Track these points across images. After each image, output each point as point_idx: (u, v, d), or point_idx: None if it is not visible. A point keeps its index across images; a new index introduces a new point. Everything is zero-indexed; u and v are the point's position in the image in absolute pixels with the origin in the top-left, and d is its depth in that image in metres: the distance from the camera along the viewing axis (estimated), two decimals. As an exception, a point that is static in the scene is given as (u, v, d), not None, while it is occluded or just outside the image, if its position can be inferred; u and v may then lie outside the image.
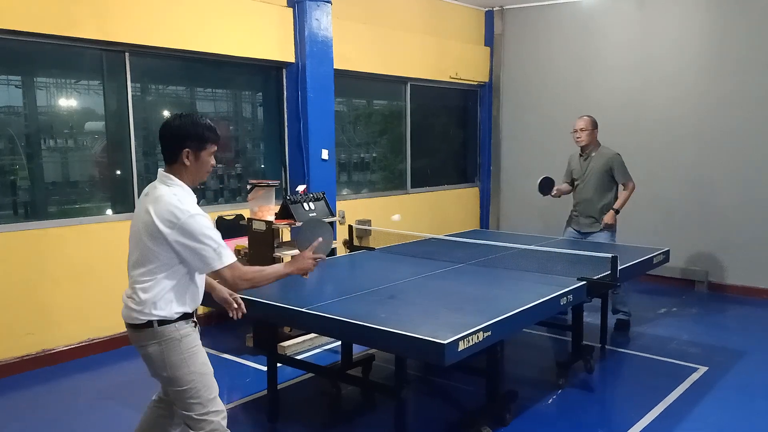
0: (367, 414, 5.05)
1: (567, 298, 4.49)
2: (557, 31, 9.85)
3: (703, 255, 8.66)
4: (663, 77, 8.84)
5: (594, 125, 6.93)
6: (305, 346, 6.27)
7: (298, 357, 5.94)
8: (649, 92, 8.98)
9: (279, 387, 4.99)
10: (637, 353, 6.24)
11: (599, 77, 9.44)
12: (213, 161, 3.37)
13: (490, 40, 10.54)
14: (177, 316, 3.22)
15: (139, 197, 6.33)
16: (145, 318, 3.18)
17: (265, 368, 5.01)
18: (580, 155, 7.05)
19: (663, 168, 8.89)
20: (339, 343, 5.78)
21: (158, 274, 3.16)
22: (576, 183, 7.08)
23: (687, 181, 8.73)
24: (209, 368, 3.34)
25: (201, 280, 3.37)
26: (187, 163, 3.27)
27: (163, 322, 3.18)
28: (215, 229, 3.19)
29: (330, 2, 7.51)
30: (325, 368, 5.29)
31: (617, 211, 6.83)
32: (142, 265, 3.17)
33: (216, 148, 3.37)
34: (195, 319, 3.35)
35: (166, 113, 6.98)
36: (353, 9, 8.28)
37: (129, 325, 3.27)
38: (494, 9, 10.39)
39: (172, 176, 3.27)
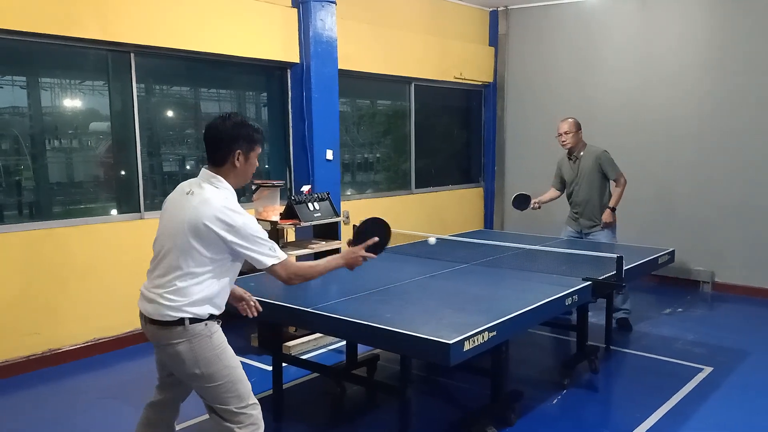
0: (371, 413, 5.06)
1: (572, 299, 4.49)
2: (561, 31, 9.85)
3: (708, 255, 8.64)
4: (665, 77, 8.83)
5: (578, 127, 6.94)
6: (310, 345, 6.28)
7: (303, 357, 5.95)
8: (651, 92, 8.97)
9: (284, 387, 4.99)
10: (642, 353, 6.23)
11: (603, 77, 9.43)
12: (257, 162, 3.44)
13: (494, 40, 10.54)
14: (208, 316, 3.23)
15: (144, 197, 6.39)
16: (178, 315, 3.16)
17: (270, 368, 5.02)
18: (569, 158, 7.09)
19: (666, 168, 8.88)
20: (344, 342, 5.79)
21: (204, 275, 3.18)
22: (571, 186, 7.10)
23: (690, 181, 8.72)
24: (239, 362, 3.35)
25: (232, 284, 3.41)
26: (237, 165, 3.32)
27: (194, 320, 3.18)
28: (262, 228, 3.28)
29: (334, 2, 7.51)
30: (330, 368, 5.29)
31: (613, 209, 6.85)
32: (184, 263, 3.15)
33: (260, 149, 3.44)
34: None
35: (171, 113, 6.99)
36: (357, 9, 8.29)
37: (156, 322, 3.21)
38: (498, 9, 10.39)
39: (219, 177, 3.30)
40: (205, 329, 3.21)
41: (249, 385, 3.35)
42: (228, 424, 3.27)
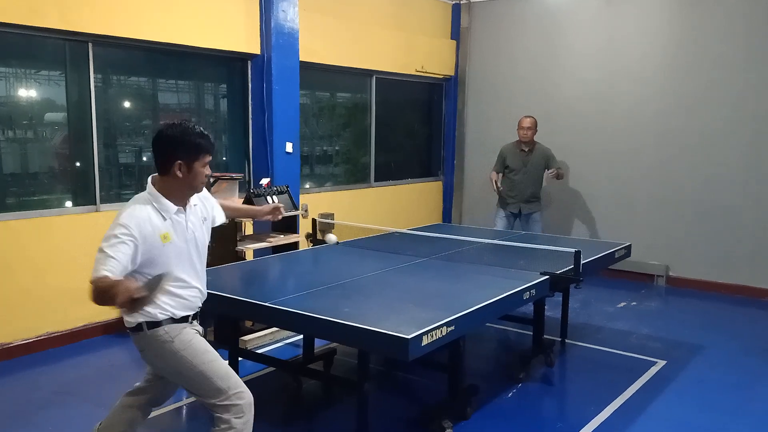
0: (328, 408, 5.05)
1: (530, 293, 4.53)
2: (524, 25, 9.87)
3: (663, 249, 8.77)
4: (629, 74, 8.90)
5: (536, 125, 8.26)
6: (266, 339, 6.25)
7: (260, 351, 5.92)
8: (615, 89, 9.04)
9: (241, 381, 4.97)
10: (597, 347, 6.32)
11: (565, 72, 9.49)
12: (208, 170, 3.30)
13: (456, 33, 10.55)
14: (165, 318, 3.19)
15: (99, 189, 6.31)
16: (134, 321, 3.17)
17: (226, 362, 4.98)
18: (521, 150, 8.30)
19: (627, 165, 8.98)
20: (300, 336, 5.78)
21: (134, 276, 3.10)
22: (518, 173, 8.29)
23: (649, 178, 8.83)
24: (213, 354, 3.32)
25: (186, 287, 3.33)
26: (179, 175, 3.19)
27: (151, 324, 3.17)
28: (125, 243, 3.03)
29: (296, -7, 7.47)
30: (287, 362, 5.28)
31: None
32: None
33: (210, 157, 3.29)
34: (190, 319, 3.34)
35: (128, 104, 6.89)
36: (319, 1, 8.24)
37: (128, 328, 3.27)
38: (461, 2, 10.40)
39: (153, 187, 3.21)
40: (165, 335, 3.19)
41: (231, 374, 3.30)
42: (219, 415, 3.24)
